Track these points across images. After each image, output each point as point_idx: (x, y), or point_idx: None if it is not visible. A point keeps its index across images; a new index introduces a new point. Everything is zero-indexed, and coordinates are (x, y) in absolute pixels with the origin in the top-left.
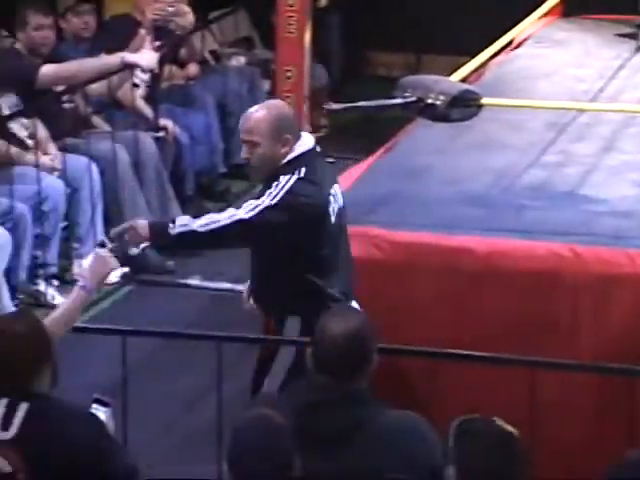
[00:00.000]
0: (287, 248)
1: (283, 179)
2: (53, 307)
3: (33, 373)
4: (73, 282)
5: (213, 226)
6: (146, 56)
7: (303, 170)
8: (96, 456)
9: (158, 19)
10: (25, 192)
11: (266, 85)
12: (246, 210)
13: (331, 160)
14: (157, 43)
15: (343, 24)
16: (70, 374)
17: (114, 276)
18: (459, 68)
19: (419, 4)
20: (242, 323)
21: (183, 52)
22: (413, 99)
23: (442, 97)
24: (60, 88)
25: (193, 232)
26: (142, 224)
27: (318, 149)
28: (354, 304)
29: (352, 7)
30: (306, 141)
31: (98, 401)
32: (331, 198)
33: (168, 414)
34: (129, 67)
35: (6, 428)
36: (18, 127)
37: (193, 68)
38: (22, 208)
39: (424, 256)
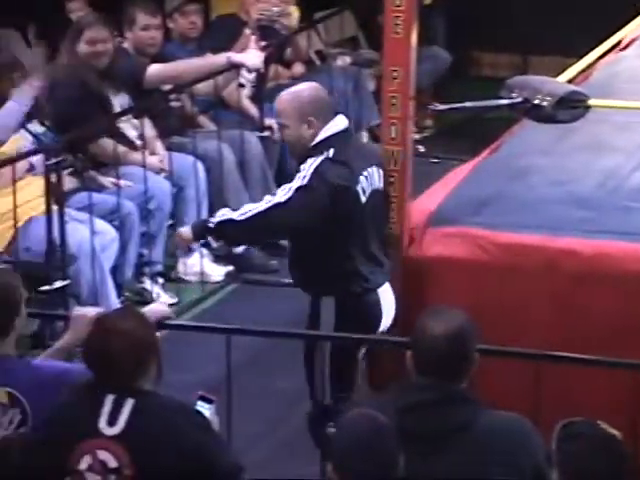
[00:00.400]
0: (319, 229)
1: (311, 160)
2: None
3: (139, 370)
4: (178, 280)
5: (251, 214)
6: (252, 56)
7: (332, 151)
8: (200, 452)
9: (263, 19)
10: (132, 191)
11: (371, 85)
12: (281, 195)
13: (435, 160)
14: (262, 43)
15: (448, 24)
16: (175, 371)
17: (218, 275)
18: (566, 69)
19: (526, 4)
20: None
21: (289, 52)
22: (519, 100)
23: (549, 98)
24: (167, 87)
25: (232, 221)
26: (185, 229)
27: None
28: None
29: (457, 7)
30: (337, 123)
31: (203, 398)
32: (362, 178)
33: (272, 412)
34: (235, 67)
35: (112, 424)
36: (128, 127)
37: (298, 68)
38: (129, 206)
39: (528, 258)
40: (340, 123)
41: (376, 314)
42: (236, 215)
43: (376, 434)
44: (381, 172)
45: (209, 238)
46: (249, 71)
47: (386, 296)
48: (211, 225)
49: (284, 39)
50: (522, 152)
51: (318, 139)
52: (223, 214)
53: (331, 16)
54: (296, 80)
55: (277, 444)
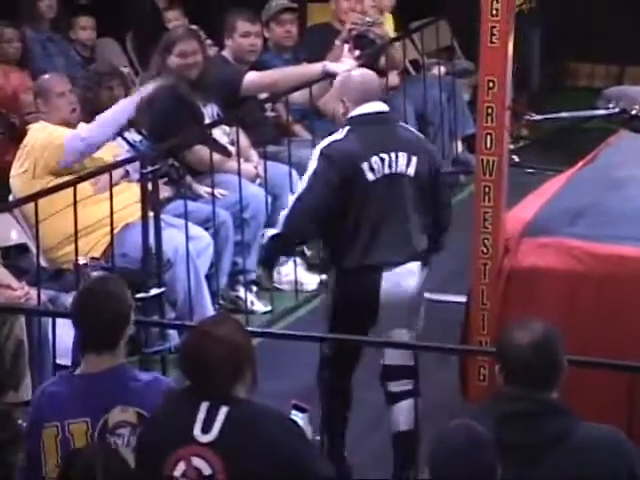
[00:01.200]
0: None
1: (329, 136)
2: (252, 313)
3: (234, 377)
4: (272, 288)
5: (283, 220)
6: (346, 65)
7: (346, 130)
8: (294, 461)
9: (356, 28)
10: (227, 199)
11: (466, 95)
12: (299, 188)
13: (531, 170)
14: (356, 52)
15: (544, 34)
16: (268, 380)
17: (312, 283)
18: None
19: (622, 14)
20: (441, 332)
21: (383, 61)
22: (616, 110)
23: None
24: (263, 96)
25: (275, 237)
26: (259, 272)
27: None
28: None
29: (553, 17)
30: (369, 107)
31: (296, 407)
32: (375, 159)
33: (366, 418)
34: (330, 76)
35: (207, 431)
36: (219, 133)
37: (393, 77)
38: (224, 215)
39: (625, 269)
40: (372, 107)
41: (369, 293)
42: (275, 230)
43: (474, 444)
44: (414, 159)
45: (280, 260)
46: None
47: (393, 279)
48: (266, 255)
49: (378, 48)
50: (619, 163)
51: (348, 117)
52: (265, 236)
53: (427, 25)
54: (391, 90)
55: (374, 448)
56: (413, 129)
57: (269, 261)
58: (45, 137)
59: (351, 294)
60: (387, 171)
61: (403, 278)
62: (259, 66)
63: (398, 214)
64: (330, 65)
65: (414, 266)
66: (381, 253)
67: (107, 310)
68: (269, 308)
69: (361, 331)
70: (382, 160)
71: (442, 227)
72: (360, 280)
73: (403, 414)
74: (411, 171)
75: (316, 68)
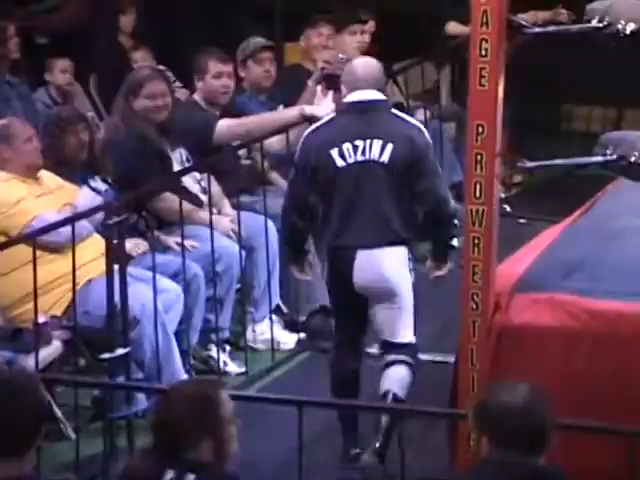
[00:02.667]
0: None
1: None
2: (225, 374)
3: (202, 442)
4: (247, 348)
5: (281, 213)
6: (324, 107)
7: (330, 117)
8: None
9: (328, 68)
10: (198, 252)
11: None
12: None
13: (523, 221)
14: (329, 93)
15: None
16: (242, 446)
17: (289, 343)
18: None
19: (621, 54)
20: (429, 394)
21: None
22: (614, 157)
23: None
24: (237, 143)
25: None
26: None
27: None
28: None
29: (547, 58)
30: (360, 94)
31: None
32: (347, 145)
33: None
34: (308, 120)
35: None
36: (190, 181)
37: None
38: (195, 268)
39: (624, 326)
40: (362, 95)
41: (343, 271)
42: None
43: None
44: (389, 146)
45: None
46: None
47: (366, 259)
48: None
49: None
50: (617, 213)
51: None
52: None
53: (411, 66)
54: None
55: None
56: (406, 117)
57: (290, 257)
58: (4, 198)
59: (331, 270)
60: (360, 158)
61: (377, 259)
62: (234, 109)
63: (371, 200)
64: (307, 108)
65: (393, 250)
66: (352, 237)
67: (18, 413)
68: (243, 369)
69: (356, 305)
70: (355, 147)
71: (434, 219)
72: (336, 258)
73: (390, 377)
74: (385, 158)
75: (293, 112)
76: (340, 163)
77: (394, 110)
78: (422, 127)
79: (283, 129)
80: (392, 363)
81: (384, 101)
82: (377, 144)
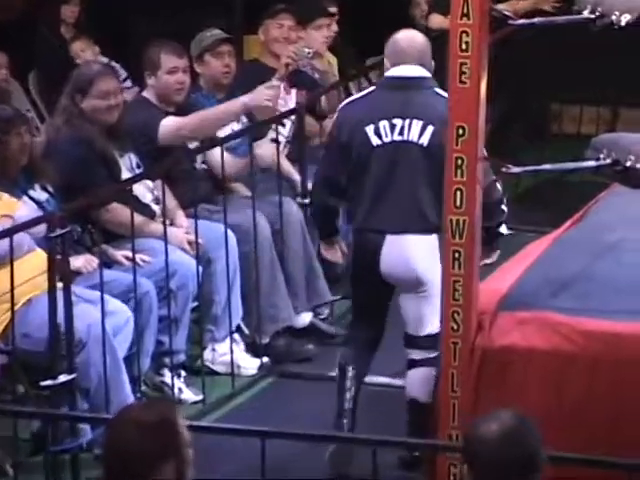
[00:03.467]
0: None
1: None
2: (180, 402)
3: (154, 469)
4: (205, 372)
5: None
6: (264, 95)
7: (369, 90)
8: None
9: (292, 63)
10: (150, 267)
11: None
12: None
13: (509, 232)
14: (293, 91)
15: (523, 73)
16: (204, 474)
17: (251, 367)
18: None
19: (614, 45)
20: (400, 423)
21: (323, 103)
22: (608, 162)
23: None
24: (193, 145)
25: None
26: None
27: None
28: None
29: (534, 52)
30: (402, 69)
31: None
32: (384, 123)
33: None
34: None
35: None
36: (141, 190)
37: (331, 122)
38: (146, 285)
39: (620, 348)
40: (404, 71)
41: (370, 256)
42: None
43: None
44: (429, 128)
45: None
46: (282, 124)
47: (395, 245)
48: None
49: (319, 87)
50: (611, 224)
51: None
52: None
53: None
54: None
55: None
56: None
57: (321, 233)
58: None
59: (357, 254)
60: (397, 138)
61: (406, 246)
62: (189, 110)
63: (405, 183)
64: (250, 100)
65: (423, 237)
66: (382, 219)
67: None
68: (201, 397)
69: (379, 291)
70: (393, 126)
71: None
72: (363, 241)
73: (415, 381)
74: (424, 140)
75: (236, 105)
76: (376, 141)
77: (438, 90)
78: None
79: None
80: (415, 364)
81: (429, 78)
82: (417, 125)
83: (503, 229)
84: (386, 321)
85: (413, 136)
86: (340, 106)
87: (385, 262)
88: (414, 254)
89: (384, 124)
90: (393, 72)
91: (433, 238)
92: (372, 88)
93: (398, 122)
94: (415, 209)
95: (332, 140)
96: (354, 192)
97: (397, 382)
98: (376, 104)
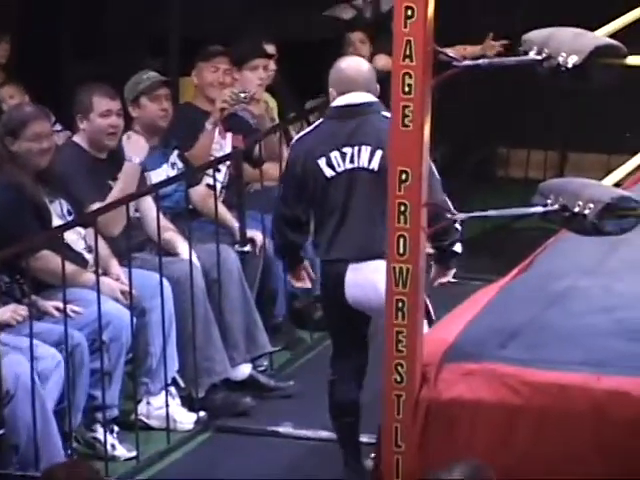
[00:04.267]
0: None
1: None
2: (113, 459)
3: None
4: (139, 427)
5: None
6: (134, 141)
7: (318, 122)
8: None
9: (227, 107)
10: (82, 318)
11: None
12: None
13: (454, 280)
14: (228, 135)
15: (469, 116)
16: None
17: (188, 422)
18: (613, 169)
19: (563, 90)
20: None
21: (256, 152)
22: (556, 207)
23: (592, 205)
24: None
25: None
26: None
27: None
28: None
29: (479, 96)
30: (349, 97)
31: None
32: (335, 154)
33: None
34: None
35: None
36: (73, 238)
37: (270, 168)
38: (78, 337)
39: (570, 401)
40: (351, 98)
41: (336, 286)
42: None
43: None
44: (378, 153)
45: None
46: (218, 170)
47: (358, 273)
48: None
49: (255, 132)
50: (561, 271)
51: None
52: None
53: (326, 104)
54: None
55: None
56: None
57: (287, 266)
58: None
59: (324, 285)
60: (349, 166)
61: (368, 273)
62: (120, 154)
63: (362, 210)
64: (133, 156)
65: (381, 263)
66: (343, 248)
67: None
68: (134, 453)
69: (353, 325)
70: (343, 155)
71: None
72: (328, 272)
73: None
74: (374, 165)
75: (134, 167)
76: (329, 173)
77: (386, 113)
78: None
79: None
80: None
81: (376, 103)
82: (366, 150)
83: (457, 247)
84: (367, 348)
85: (363, 162)
86: (292, 143)
87: (350, 290)
88: (378, 280)
89: (335, 154)
90: (340, 101)
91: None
92: (321, 120)
93: (348, 150)
94: (374, 235)
95: (287, 177)
96: (315, 225)
97: None
98: (325, 135)
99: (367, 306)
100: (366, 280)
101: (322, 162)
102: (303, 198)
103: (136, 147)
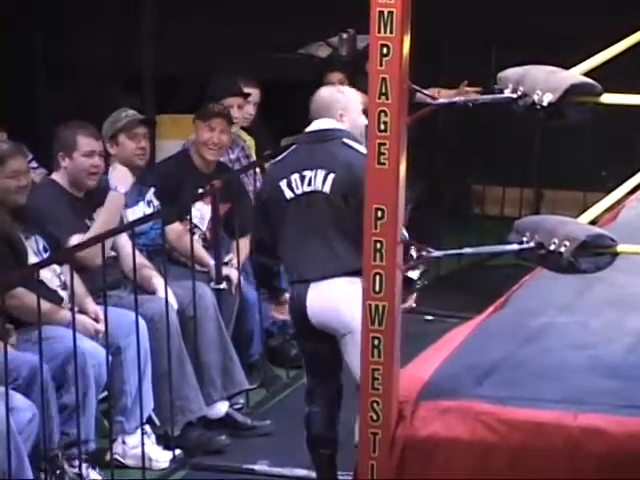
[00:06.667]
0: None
1: None
2: None
3: None
4: (114, 466)
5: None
6: (119, 171)
7: (290, 149)
8: None
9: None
10: (55, 357)
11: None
12: None
13: (429, 318)
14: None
15: (444, 153)
16: None
17: (163, 460)
18: (589, 207)
19: (537, 129)
20: None
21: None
22: (531, 245)
23: (567, 243)
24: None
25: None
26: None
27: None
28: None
29: (456, 133)
30: (316, 124)
31: None
32: (295, 176)
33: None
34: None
35: None
36: (49, 275)
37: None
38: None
39: (545, 438)
40: (318, 124)
41: (299, 307)
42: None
43: None
44: (331, 177)
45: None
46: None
47: (318, 292)
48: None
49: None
50: (535, 309)
51: None
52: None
53: None
54: None
55: None
56: (358, 147)
57: (269, 294)
58: None
59: (291, 307)
60: (307, 188)
61: (328, 292)
62: (99, 192)
63: (318, 231)
64: (113, 182)
65: (343, 281)
66: (303, 268)
67: None
68: None
69: (317, 340)
70: (302, 178)
71: None
72: (293, 294)
73: None
74: (326, 188)
75: (115, 196)
76: (289, 195)
77: (347, 140)
78: None
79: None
80: None
81: (337, 130)
82: (321, 174)
83: (413, 274)
84: (339, 371)
85: (318, 185)
86: (267, 166)
87: (312, 310)
88: (337, 299)
89: (295, 177)
90: (310, 127)
91: (357, 282)
92: (294, 146)
93: (307, 173)
94: (331, 255)
95: (256, 201)
96: (280, 247)
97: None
98: (292, 159)
99: (328, 325)
100: (325, 300)
101: (283, 184)
102: (267, 220)
103: (122, 177)
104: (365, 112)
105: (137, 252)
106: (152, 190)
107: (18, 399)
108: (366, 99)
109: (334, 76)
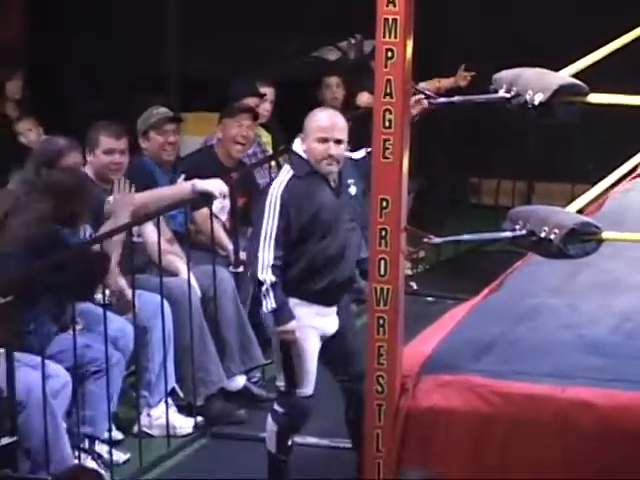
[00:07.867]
0: None
1: None
2: (117, 465)
3: None
4: (139, 436)
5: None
6: (217, 182)
7: None
8: None
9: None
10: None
11: None
12: None
13: (430, 299)
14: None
15: (445, 147)
16: None
17: (186, 427)
18: (577, 197)
19: (530, 125)
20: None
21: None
22: (524, 232)
23: (557, 230)
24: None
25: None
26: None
27: None
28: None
29: (454, 129)
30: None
31: None
32: None
33: None
34: (203, 195)
35: None
36: None
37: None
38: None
39: (536, 410)
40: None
41: None
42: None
43: None
44: None
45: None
46: (213, 198)
47: None
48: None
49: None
50: (527, 291)
51: None
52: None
53: None
54: None
55: None
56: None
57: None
58: None
59: None
60: None
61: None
62: (140, 175)
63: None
64: (200, 183)
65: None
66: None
67: None
68: (127, 456)
69: None
70: None
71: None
72: None
73: (267, 433)
74: None
75: (186, 188)
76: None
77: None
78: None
79: (179, 204)
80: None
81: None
82: None
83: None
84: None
85: None
86: None
87: None
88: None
89: None
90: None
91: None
92: None
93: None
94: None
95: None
96: None
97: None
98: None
99: None
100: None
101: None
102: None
103: (215, 184)
104: (323, 139)
105: (162, 239)
106: (182, 177)
107: (52, 366)
108: (372, 99)
109: (332, 79)
